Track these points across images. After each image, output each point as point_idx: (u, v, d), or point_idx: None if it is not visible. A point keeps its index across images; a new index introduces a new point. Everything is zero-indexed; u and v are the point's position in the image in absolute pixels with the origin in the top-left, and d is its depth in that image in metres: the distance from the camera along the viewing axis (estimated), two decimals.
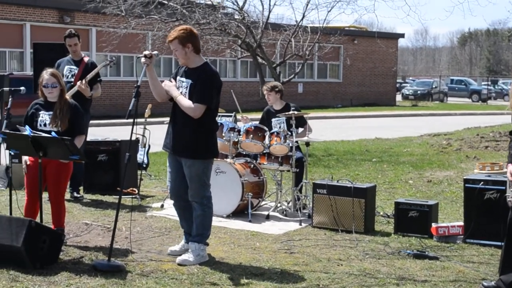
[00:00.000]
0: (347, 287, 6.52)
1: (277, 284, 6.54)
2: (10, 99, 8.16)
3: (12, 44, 28.90)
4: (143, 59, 7.13)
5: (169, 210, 9.92)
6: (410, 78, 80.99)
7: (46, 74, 7.65)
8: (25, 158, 7.61)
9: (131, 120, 7.14)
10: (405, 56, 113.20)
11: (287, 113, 10.02)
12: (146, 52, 7.17)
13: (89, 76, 10.24)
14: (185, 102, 7.09)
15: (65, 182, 7.82)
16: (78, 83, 10.17)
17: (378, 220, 9.34)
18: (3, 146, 7.81)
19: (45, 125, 7.53)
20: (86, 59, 10.74)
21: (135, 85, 7.05)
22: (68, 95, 9.76)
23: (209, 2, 19.48)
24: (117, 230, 7.10)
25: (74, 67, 10.58)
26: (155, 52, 7.30)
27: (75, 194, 10.69)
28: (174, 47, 7.14)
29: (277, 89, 10.60)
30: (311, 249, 7.88)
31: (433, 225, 8.43)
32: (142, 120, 12.62)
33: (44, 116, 7.59)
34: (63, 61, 10.73)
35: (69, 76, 10.52)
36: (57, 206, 7.71)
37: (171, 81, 7.33)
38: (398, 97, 52.79)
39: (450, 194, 11.72)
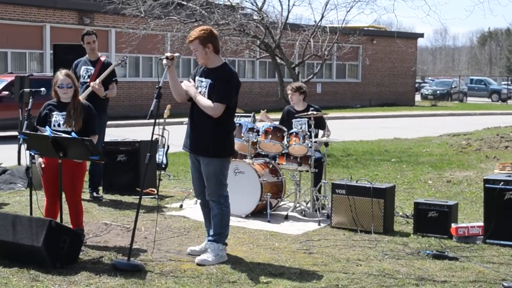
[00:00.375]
0: (366, 287, 6.51)
1: (296, 284, 6.54)
2: (30, 100, 8.23)
3: (32, 45, 29.07)
4: (164, 61, 7.19)
5: (188, 211, 9.96)
6: (429, 78, 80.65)
7: (60, 74, 7.70)
8: (39, 160, 7.65)
9: (150, 121, 7.19)
10: (424, 56, 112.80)
11: (306, 113, 10.02)
12: (168, 54, 7.24)
13: (102, 77, 10.28)
14: (204, 101, 7.14)
15: (80, 182, 7.86)
16: (92, 83, 10.21)
17: (397, 221, 9.32)
18: (24, 146, 7.86)
19: (59, 125, 7.57)
20: (102, 58, 10.80)
21: (157, 86, 7.13)
22: (83, 96, 9.84)
23: (228, 3, 19.48)
24: (136, 230, 7.12)
25: (91, 68, 10.64)
26: (177, 54, 7.36)
27: (95, 194, 10.75)
28: (195, 47, 7.20)
29: (301, 91, 10.59)
30: (330, 249, 7.87)
31: (453, 225, 8.40)
32: (161, 120, 12.67)
33: (58, 117, 7.63)
34: (80, 61, 10.81)
35: (86, 77, 10.58)
36: (74, 206, 7.76)
37: (190, 82, 7.38)
38: (417, 97, 52.59)
39: (470, 195, 11.66)
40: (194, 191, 7.78)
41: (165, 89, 7.05)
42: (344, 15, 22.91)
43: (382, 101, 44.80)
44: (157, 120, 7.51)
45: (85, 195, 10.73)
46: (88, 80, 10.50)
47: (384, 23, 64.70)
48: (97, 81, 10.22)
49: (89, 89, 10.24)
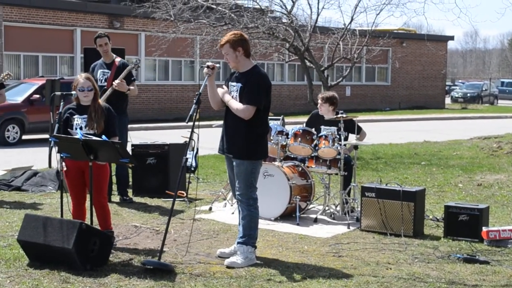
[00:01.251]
0: None
1: (325, 287, 6.54)
2: (61, 103, 8.28)
3: (63, 49, 29.30)
4: (205, 70, 7.29)
5: (217, 213, 9.98)
6: (460, 80, 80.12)
7: (81, 78, 7.76)
8: (62, 164, 7.69)
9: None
10: (455, 58, 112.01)
11: (336, 116, 9.98)
12: (209, 63, 7.31)
13: (121, 77, 10.30)
14: (235, 104, 7.23)
15: (105, 184, 7.89)
16: (114, 82, 10.24)
17: (428, 224, 9.26)
18: (55, 149, 7.91)
19: (81, 128, 7.61)
20: (117, 60, 10.78)
21: (197, 93, 7.25)
22: (102, 99, 9.90)
23: (257, 6, 19.49)
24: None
25: (107, 71, 10.66)
26: (218, 65, 7.46)
27: (124, 197, 10.79)
28: (225, 51, 7.27)
29: (331, 102, 10.41)
30: (359, 253, 7.84)
31: (484, 229, 8.33)
32: (191, 123, 12.69)
33: (79, 120, 7.68)
34: (96, 64, 10.84)
35: (103, 80, 10.64)
36: (100, 208, 7.79)
37: (223, 88, 7.45)
38: (447, 100, 52.25)
39: (501, 198, 11.56)
40: (232, 192, 7.81)
41: (194, 92, 7.12)
42: (373, 18, 22.83)
43: (412, 104, 44.56)
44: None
45: (115, 197, 10.80)
46: (105, 83, 10.56)
47: (414, 26, 64.40)
48: (118, 80, 10.26)
49: (108, 91, 10.28)
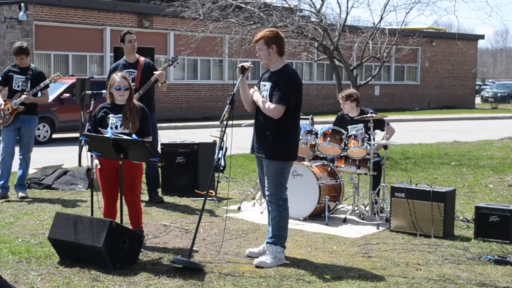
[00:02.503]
0: None
1: None
2: (92, 102, 8.34)
3: (92, 48, 29.50)
4: (239, 71, 7.29)
5: (246, 213, 9.98)
6: (490, 80, 79.47)
7: (117, 77, 7.76)
8: (95, 161, 7.73)
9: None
10: (485, 57, 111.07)
11: (365, 115, 9.93)
12: (245, 64, 7.32)
13: (161, 68, 10.35)
14: (264, 103, 7.23)
15: (139, 183, 7.93)
16: (155, 72, 10.25)
17: (458, 225, 9.19)
18: (85, 148, 7.97)
19: (116, 127, 7.63)
20: (142, 59, 10.71)
21: (230, 93, 7.27)
22: (135, 97, 9.94)
23: (286, 5, 19.47)
24: (194, 232, 7.16)
25: (133, 70, 10.53)
26: (252, 65, 7.43)
27: (154, 198, 10.81)
28: (259, 47, 7.29)
29: (352, 98, 10.43)
30: (389, 253, 7.80)
31: None
32: (220, 124, 12.71)
33: (114, 119, 7.68)
34: (118, 65, 10.67)
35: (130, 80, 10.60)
36: (133, 207, 7.83)
37: (254, 89, 7.46)
38: (477, 100, 51.86)
39: None
40: (261, 192, 7.82)
41: (223, 91, 7.15)
42: (403, 17, 22.72)
43: (441, 103, 44.29)
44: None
45: (144, 196, 10.84)
46: (133, 83, 10.51)
47: (444, 25, 64.01)
48: (158, 72, 10.26)
49: (144, 87, 10.29)
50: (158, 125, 11.35)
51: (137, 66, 10.57)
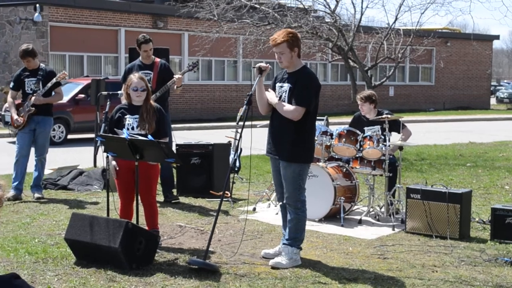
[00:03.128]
0: None
1: None
2: (108, 103, 8.35)
3: (107, 49, 29.58)
4: (256, 72, 7.27)
5: (261, 214, 9.98)
6: (505, 81, 79.14)
7: (134, 77, 7.78)
8: (113, 162, 7.75)
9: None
10: (500, 58, 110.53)
11: (380, 116, 9.90)
12: (262, 64, 7.28)
13: (182, 72, 10.41)
14: (283, 106, 7.17)
15: (155, 184, 7.94)
16: (175, 76, 10.31)
17: (474, 226, 9.15)
18: (101, 149, 7.99)
19: (132, 128, 7.64)
20: (158, 60, 10.73)
21: (248, 94, 7.24)
22: (152, 99, 9.97)
23: (301, 6, 19.47)
24: (209, 232, 7.16)
25: (149, 72, 10.54)
26: (270, 66, 7.41)
27: (169, 196, 10.83)
28: (281, 50, 7.18)
29: (371, 100, 10.37)
30: (404, 255, 7.78)
31: None
32: (234, 123, 12.73)
33: (130, 120, 7.69)
34: (134, 66, 10.67)
35: None
36: (149, 207, 7.84)
37: (269, 91, 7.42)
38: (493, 101, 51.61)
39: None
40: (276, 194, 7.81)
41: (237, 92, 7.13)
42: (418, 17, 22.67)
43: (456, 104, 44.13)
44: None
45: (159, 197, 10.85)
46: (149, 84, 10.54)
47: (458, 25, 63.76)
48: (178, 75, 10.31)
49: (162, 89, 10.34)
50: (173, 125, 11.38)
51: (153, 67, 10.59)
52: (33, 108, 10.62)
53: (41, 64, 10.96)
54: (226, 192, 10.75)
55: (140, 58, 10.74)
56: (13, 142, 10.91)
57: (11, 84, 11.02)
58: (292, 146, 7.18)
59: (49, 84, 10.62)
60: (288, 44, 7.15)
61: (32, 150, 10.95)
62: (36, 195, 10.75)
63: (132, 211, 7.71)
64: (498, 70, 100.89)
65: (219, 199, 10.53)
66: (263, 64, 7.28)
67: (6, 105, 10.93)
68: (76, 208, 10.02)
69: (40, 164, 10.91)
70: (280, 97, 7.26)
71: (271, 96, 7.35)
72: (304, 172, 7.34)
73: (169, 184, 10.97)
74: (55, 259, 7.21)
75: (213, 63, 32.47)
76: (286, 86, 7.24)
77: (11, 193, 10.61)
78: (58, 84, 10.78)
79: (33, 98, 10.62)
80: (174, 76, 10.36)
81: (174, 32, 31.04)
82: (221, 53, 29.58)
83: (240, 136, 7.59)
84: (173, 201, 10.71)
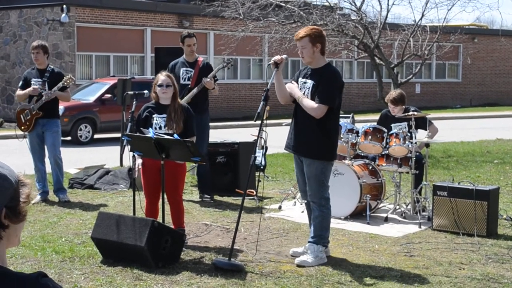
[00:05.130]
0: None
1: (397, 287, 6.46)
2: (134, 102, 8.38)
3: (133, 49, 29.71)
4: (272, 66, 7.27)
5: (287, 212, 9.97)
6: None
7: (161, 75, 7.81)
8: (139, 161, 7.77)
9: (248, 122, 7.31)
10: None
11: (407, 114, 9.83)
12: (276, 58, 7.27)
13: (212, 74, 10.46)
14: (307, 102, 7.16)
15: (181, 182, 7.97)
16: (204, 79, 10.35)
17: (501, 224, 9.08)
18: (127, 148, 8.02)
19: (160, 128, 7.66)
20: (201, 59, 10.83)
21: (264, 89, 7.23)
22: (188, 97, 10.02)
23: (327, 3, 19.42)
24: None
25: (190, 69, 10.67)
26: (285, 56, 7.42)
27: (205, 196, 10.81)
28: (303, 44, 7.21)
29: (403, 101, 10.22)
30: (431, 252, 7.74)
31: None
32: (254, 121, 12.73)
33: (158, 119, 7.72)
34: (177, 63, 10.80)
35: (186, 79, 10.67)
36: (175, 206, 7.87)
37: (292, 83, 7.41)
38: None
39: None
40: (299, 192, 7.80)
41: (262, 90, 7.12)
42: (445, 14, 22.51)
43: (484, 101, 43.77)
44: (256, 122, 7.59)
45: (185, 196, 10.88)
46: (189, 82, 10.61)
47: (486, 21, 63.18)
48: (209, 78, 10.36)
49: (195, 90, 10.39)
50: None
51: (195, 65, 10.71)
52: (40, 112, 10.46)
53: (50, 65, 10.79)
54: (252, 190, 10.77)
55: (184, 56, 10.84)
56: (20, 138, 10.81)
57: (20, 83, 10.85)
58: (316, 143, 7.18)
59: (55, 88, 10.36)
60: (310, 38, 7.17)
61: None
62: (63, 198, 10.63)
63: (157, 210, 7.74)
64: None
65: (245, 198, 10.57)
66: (277, 57, 7.28)
67: (21, 96, 10.70)
68: (103, 207, 10.08)
69: (57, 166, 10.64)
70: (303, 93, 7.25)
71: (294, 89, 7.33)
72: (327, 169, 7.33)
73: (205, 180, 10.96)
74: (81, 258, 7.26)
75: (238, 62, 32.49)
76: (310, 82, 7.23)
77: (37, 198, 10.53)
78: (64, 88, 10.61)
79: (43, 98, 10.38)
80: (203, 79, 10.41)
81: (200, 32, 31.07)
82: (247, 51, 29.58)
83: (262, 131, 7.55)
84: (204, 199, 10.72)
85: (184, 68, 10.68)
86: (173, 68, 10.70)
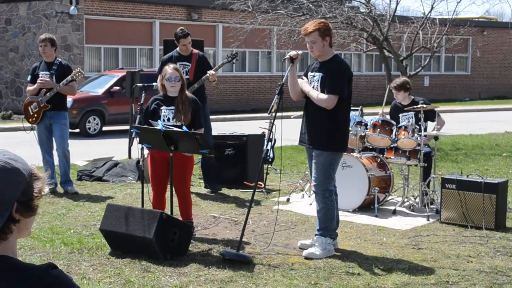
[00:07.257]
0: (478, 284, 6.37)
1: (405, 280, 6.47)
2: (143, 94, 8.39)
3: (142, 41, 29.70)
4: (287, 61, 7.29)
5: (295, 204, 9.98)
6: None
7: (169, 68, 7.81)
8: (145, 151, 7.79)
9: (257, 114, 7.32)
10: None
11: (416, 106, 9.82)
12: (292, 53, 7.28)
13: (216, 68, 10.45)
14: (317, 95, 7.21)
15: (189, 174, 7.99)
16: (209, 72, 10.33)
17: (510, 217, 9.06)
18: (136, 140, 8.03)
19: (168, 120, 7.68)
20: (195, 52, 10.74)
21: (279, 83, 7.26)
22: (189, 91, 10.00)
23: None
24: (243, 223, 7.18)
25: (187, 63, 10.60)
26: (301, 51, 7.43)
27: (212, 188, 10.83)
28: (313, 39, 7.22)
29: (405, 88, 10.29)
30: (439, 245, 7.73)
31: None
32: (268, 114, 12.74)
33: (166, 111, 7.74)
34: (171, 56, 10.68)
35: (183, 73, 10.62)
36: (183, 198, 7.88)
37: (303, 79, 7.43)
38: None
39: None
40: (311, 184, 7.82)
41: (271, 83, 7.13)
42: (454, 6, 22.45)
43: (493, 94, 43.62)
44: (264, 114, 7.61)
45: (193, 188, 10.90)
46: (187, 76, 10.55)
47: (495, 14, 62.98)
48: (212, 71, 10.35)
49: (197, 84, 10.37)
50: None
51: (191, 59, 10.64)
52: (49, 105, 10.47)
53: (58, 58, 10.75)
54: (260, 182, 10.77)
55: (177, 49, 10.77)
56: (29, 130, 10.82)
57: (28, 77, 10.86)
58: (326, 134, 7.19)
59: (64, 81, 10.36)
60: (319, 32, 7.18)
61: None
62: (71, 190, 10.63)
63: (164, 201, 7.77)
64: None
65: (252, 190, 10.57)
66: (293, 52, 7.30)
67: (31, 91, 10.67)
68: (111, 199, 10.10)
69: (64, 158, 10.66)
70: (313, 87, 7.27)
71: (304, 84, 7.37)
72: (336, 161, 7.34)
73: (210, 172, 10.98)
74: (90, 250, 7.29)
75: (247, 54, 32.46)
76: (318, 75, 7.25)
77: (46, 189, 10.55)
78: (71, 81, 10.60)
79: (48, 93, 10.40)
80: (208, 72, 10.37)
81: (208, 24, 31.08)
82: (255, 44, 29.54)
83: (272, 125, 7.58)
84: (213, 192, 10.75)
85: (180, 63, 10.43)
86: (166, 62, 10.03)
